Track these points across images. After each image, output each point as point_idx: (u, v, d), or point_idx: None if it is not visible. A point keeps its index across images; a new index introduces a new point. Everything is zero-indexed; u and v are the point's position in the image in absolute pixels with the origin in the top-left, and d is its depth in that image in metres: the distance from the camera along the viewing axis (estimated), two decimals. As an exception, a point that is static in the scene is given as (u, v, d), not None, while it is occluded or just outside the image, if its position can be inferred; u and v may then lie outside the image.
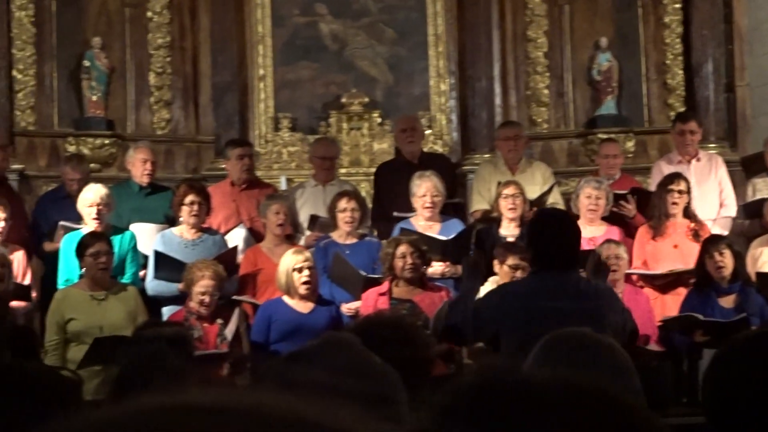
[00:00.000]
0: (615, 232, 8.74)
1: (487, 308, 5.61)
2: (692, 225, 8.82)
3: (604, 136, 11.26)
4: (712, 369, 2.28)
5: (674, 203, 8.77)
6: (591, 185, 8.93)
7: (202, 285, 7.61)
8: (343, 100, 12.06)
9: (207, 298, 7.62)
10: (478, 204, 9.37)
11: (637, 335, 6.02)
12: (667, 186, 8.85)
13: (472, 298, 5.83)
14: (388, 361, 2.38)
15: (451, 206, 9.17)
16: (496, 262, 7.63)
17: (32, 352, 5.79)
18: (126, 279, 8.26)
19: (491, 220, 8.68)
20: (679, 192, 8.80)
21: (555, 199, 9.38)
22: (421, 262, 7.69)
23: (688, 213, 8.88)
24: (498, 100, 12.23)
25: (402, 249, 7.66)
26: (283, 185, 10.82)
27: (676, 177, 8.95)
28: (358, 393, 2.12)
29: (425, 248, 7.74)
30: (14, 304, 7.84)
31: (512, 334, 5.30)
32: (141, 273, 8.45)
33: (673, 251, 8.66)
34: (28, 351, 5.62)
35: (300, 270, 7.71)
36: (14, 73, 11.64)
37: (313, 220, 8.92)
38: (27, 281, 8.36)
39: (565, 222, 5.75)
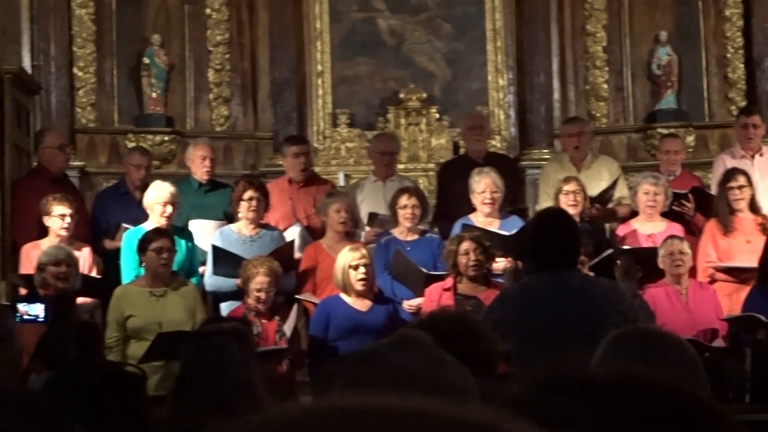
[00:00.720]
0: (676, 229, 8.66)
1: (491, 308, 5.64)
2: (759, 219, 8.72)
3: (664, 131, 11.17)
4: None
5: (737, 199, 8.67)
6: (649, 181, 8.85)
7: (258, 282, 7.62)
8: (401, 95, 12.04)
9: (263, 295, 7.62)
10: (545, 202, 9.28)
11: None
12: (726, 183, 8.75)
13: None
14: (455, 357, 2.36)
15: (516, 212, 9.12)
16: None
17: (96, 348, 5.82)
18: (195, 279, 8.30)
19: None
20: (740, 187, 8.70)
21: (621, 193, 9.30)
22: (484, 258, 7.64)
23: (754, 207, 8.78)
24: (556, 95, 12.17)
25: (465, 246, 7.61)
26: (341, 181, 10.82)
27: (734, 173, 8.85)
28: (434, 390, 2.10)
29: (488, 244, 7.69)
30: (80, 300, 7.87)
31: (510, 333, 5.31)
32: (200, 269, 8.48)
33: (747, 246, 8.54)
34: (92, 347, 5.65)
35: (356, 267, 7.70)
36: (75, 70, 11.73)
37: (372, 217, 8.90)
38: (95, 275, 8.39)
39: (564, 221, 5.70)
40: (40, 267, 7.30)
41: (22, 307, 5.66)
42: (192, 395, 3.80)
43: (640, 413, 1.15)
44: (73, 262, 7.57)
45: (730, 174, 8.86)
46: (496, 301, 5.80)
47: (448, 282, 7.67)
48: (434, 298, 7.65)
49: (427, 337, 2.27)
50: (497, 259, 8.10)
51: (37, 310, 5.63)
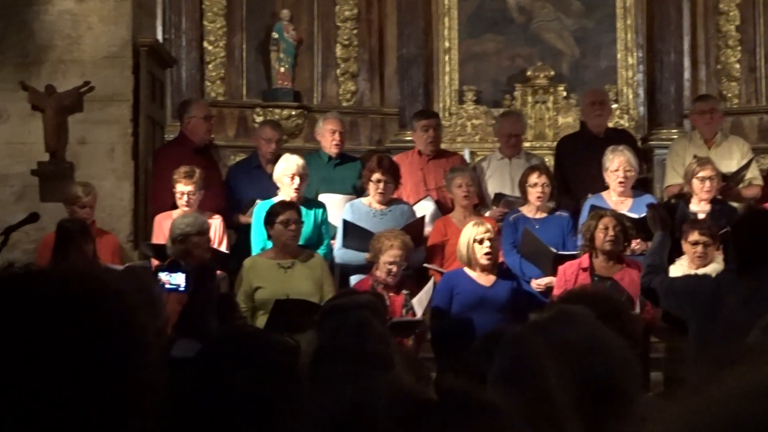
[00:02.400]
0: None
1: (679, 294, 5.57)
2: None
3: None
4: None
5: None
6: None
7: (390, 255, 7.62)
8: (529, 73, 11.97)
9: (394, 268, 7.62)
10: (672, 179, 9.17)
11: None
12: None
13: (664, 259, 5.82)
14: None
15: (638, 182, 9.01)
16: (682, 240, 7.49)
17: (232, 320, 5.89)
18: (321, 250, 8.34)
19: (682, 195, 8.50)
20: None
21: (753, 174, 9.13)
22: (623, 236, 7.56)
23: None
24: (687, 75, 12.00)
25: (605, 221, 7.53)
26: (466, 158, 10.79)
27: None
28: (598, 363, 2.10)
29: (629, 224, 7.60)
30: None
31: (699, 325, 5.25)
32: (330, 242, 8.52)
33: None
34: (228, 319, 5.72)
35: (481, 241, 7.67)
36: (205, 44, 11.89)
37: (498, 197, 8.86)
38: (224, 249, 8.48)
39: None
40: (181, 237, 7.38)
41: (164, 276, 5.75)
42: (331, 370, 3.83)
43: None
44: (208, 233, 7.65)
45: None
46: (690, 283, 5.72)
47: (585, 261, 7.59)
48: (570, 277, 7.58)
49: (588, 312, 2.26)
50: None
51: (179, 279, 5.72)
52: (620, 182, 8.43)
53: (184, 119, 9.29)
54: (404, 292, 7.68)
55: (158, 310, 4.24)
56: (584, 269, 7.55)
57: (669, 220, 6.24)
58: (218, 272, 8.09)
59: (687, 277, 6.07)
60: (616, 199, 8.44)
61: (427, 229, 8.56)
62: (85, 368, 1.53)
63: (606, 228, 7.50)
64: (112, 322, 1.58)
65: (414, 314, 7.58)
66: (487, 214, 8.84)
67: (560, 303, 3.70)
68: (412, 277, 7.98)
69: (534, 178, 8.41)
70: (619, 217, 7.59)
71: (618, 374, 2.10)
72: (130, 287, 1.66)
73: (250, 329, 3.19)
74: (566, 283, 7.46)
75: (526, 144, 10.78)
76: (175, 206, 8.44)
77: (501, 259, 8.00)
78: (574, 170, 9.16)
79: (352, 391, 3.76)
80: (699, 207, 8.31)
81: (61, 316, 1.54)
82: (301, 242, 8.10)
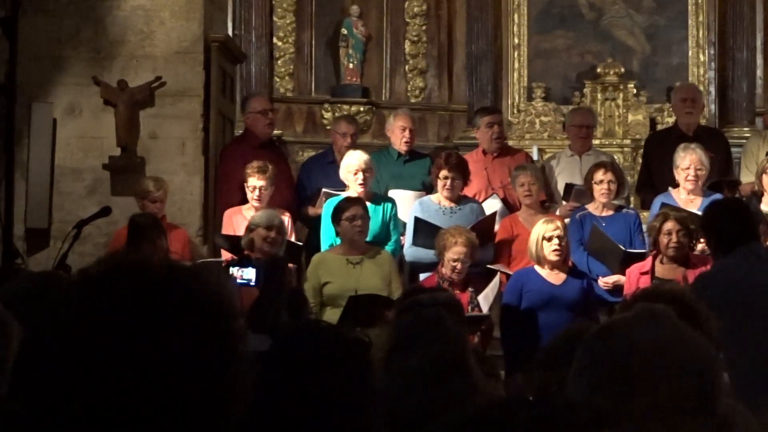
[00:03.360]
0: None
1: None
2: None
3: None
4: None
5: None
6: None
7: (455, 252, 7.61)
8: (599, 69, 11.91)
9: (459, 265, 7.61)
10: (746, 177, 9.06)
11: None
12: None
13: None
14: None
15: (728, 183, 8.91)
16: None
17: (302, 314, 5.92)
18: (389, 247, 8.35)
19: (755, 194, 8.41)
20: None
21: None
22: (687, 240, 7.46)
23: None
24: (759, 72, 11.87)
25: (669, 225, 7.44)
26: (534, 155, 10.75)
27: None
28: (681, 365, 2.08)
29: (693, 227, 7.50)
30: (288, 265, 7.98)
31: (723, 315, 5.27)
32: (400, 239, 8.53)
33: None
34: (299, 313, 5.75)
35: (550, 239, 7.63)
36: (275, 40, 11.95)
37: (568, 188, 8.81)
38: (294, 240, 8.50)
39: (735, 204, 6.08)
40: (251, 228, 7.46)
41: (235, 271, 5.79)
42: (405, 366, 3.83)
43: None
44: (283, 230, 7.68)
45: None
46: (700, 284, 5.74)
47: (646, 265, 7.53)
48: (632, 281, 7.53)
49: (670, 311, 2.24)
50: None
51: (250, 274, 5.76)
52: (690, 180, 8.35)
53: (245, 115, 9.36)
54: (470, 289, 7.67)
55: (236, 304, 4.27)
56: (644, 273, 7.47)
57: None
58: (291, 265, 8.15)
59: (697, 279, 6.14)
60: (686, 197, 8.35)
61: (497, 226, 8.54)
62: (193, 358, 1.57)
63: (669, 233, 7.40)
64: (215, 312, 1.62)
65: (480, 310, 7.57)
66: (557, 212, 8.80)
67: (638, 301, 3.66)
68: (479, 275, 7.96)
69: (600, 174, 8.35)
70: (683, 220, 7.46)
71: (703, 374, 2.08)
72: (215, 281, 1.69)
73: (321, 324, 3.19)
74: (630, 286, 7.41)
75: (596, 141, 10.72)
76: (243, 201, 8.48)
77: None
78: (660, 167, 9.06)
79: (425, 388, 3.76)
80: (770, 206, 8.23)
81: (169, 306, 1.58)
82: (369, 238, 8.11)
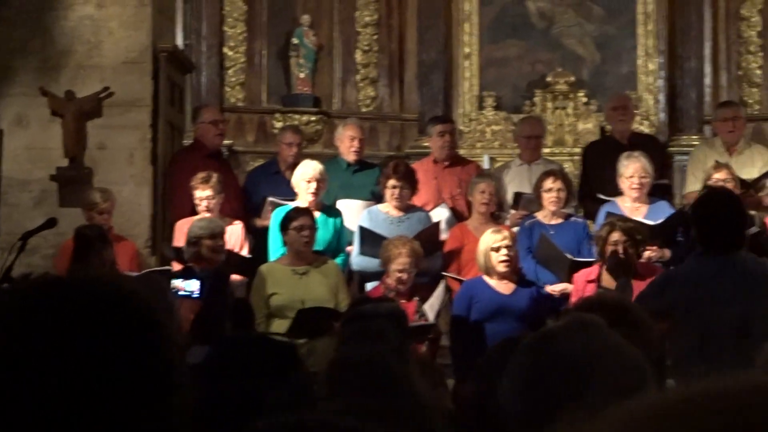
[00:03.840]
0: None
1: (653, 297, 5.55)
2: None
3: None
4: None
5: None
6: None
7: (399, 263, 7.62)
8: (549, 78, 11.95)
9: (404, 276, 7.62)
10: (692, 186, 9.13)
11: None
12: None
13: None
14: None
15: (659, 188, 8.98)
16: None
17: (249, 325, 5.90)
18: (339, 258, 8.35)
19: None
20: None
21: (775, 183, 9.08)
22: (634, 251, 7.47)
23: None
24: (708, 81, 11.95)
25: (615, 236, 7.44)
26: (486, 164, 10.78)
27: None
28: (612, 374, 2.08)
29: (640, 237, 7.51)
30: (234, 277, 7.95)
31: (685, 317, 5.24)
32: (348, 249, 8.53)
33: None
34: (245, 324, 5.73)
35: (498, 249, 7.64)
36: (225, 50, 11.91)
37: (517, 197, 8.86)
38: (245, 254, 8.48)
39: (732, 202, 5.61)
40: (194, 240, 7.42)
41: (178, 283, 5.76)
42: (347, 377, 3.83)
43: None
44: (224, 235, 7.67)
45: None
46: (660, 284, 5.72)
47: (593, 273, 7.55)
48: (579, 288, 7.55)
49: (601, 320, 2.25)
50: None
51: (193, 286, 5.73)
52: (635, 188, 8.39)
53: (195, 125, 9.34)
54: (416, 299, 7.67)
55: (173, 316, 4.25)
56: (590, 281, 7.49)
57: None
58: (239, 277, 8.12)
59: (664, 271, 6.07)
60: (631, 205, 8.40)
61: (443, 237, 8.55)
62: (117, 370, 1.54)
63: (616, 244, 7.41)
64: (141, 324, 1.61)
65: (426, 320, 7.57)
66: (507, 222, 8.82)
67: (574, 311, 3.68)
68: (426, 285, 7.96)
69: (549, 183, 8.38)
70: (629, 231, 7.47)
71: (631, 384, 2.08)
72: (146, 292, 1.69)
73: (251, 334, 3.22)
74: (577, 293, 7.43)
75: (546, 150, 10.76)
76: (195, 212, 8.46)
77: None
78: (599, 176, 9.12)
79: (365, 399, 3.75)
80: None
81: (90, 321, 1.57)
82: (320, 248, 8.10)
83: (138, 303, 1.63)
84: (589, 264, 7.78)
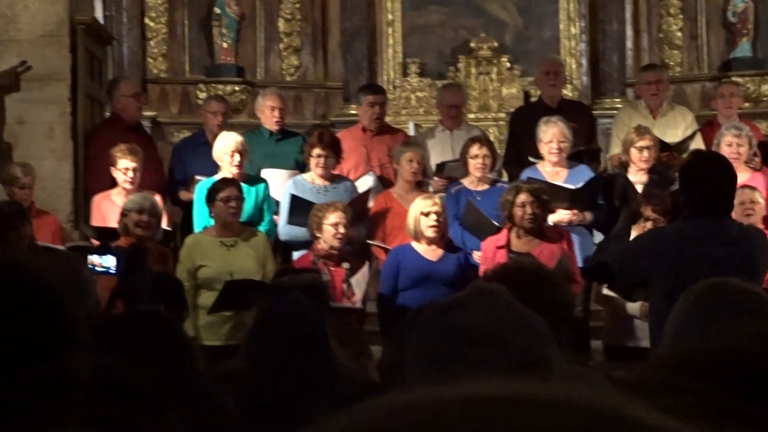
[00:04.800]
0: (759, 179, 8.51)
1: (638, 252, 5.49)
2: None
3: (739, 80, 10.99)
4: None
5: None
6: (732, 132, 8.67)
7: (335, 216, 7.58)
8: (472, 44, 11.97)
9: (341, 229, 7.57)
10: (617, 148, 9.18)
11: None
12: None
13: (626, 235, 5.76)
14: (531, 307, 2.35)
15: (589, 152, 9.03)
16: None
17: (174, 298, 5.86)
18: (263, 227, 8.31)
19: (624, 164, 8.53)
20: None
21: (698, 145, 9.16)
22: (541, 212, 7.49)
23: None
24: (629, 44, 12.04)
25: (522, 198, 7.43)
26: (411, 131, 10.79)
27: None
28: (512, 342, 2.10)
29: (546, 198, 7.53)
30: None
31: (663, 279, 5.20)
32: (274, 218, 8.50)
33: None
34: (170, 297, 5.69)
35: (427, 214, 7.66)
36: (146, 20, 11.80)
37: (440, 167, 8.86)
38: (165, 226, 8.42)
39: (721, 165, 5.55)
40: (125, 213, 7.41)
41: (94, 258, 5.71)
42: (264, 349, 3.83)
43: None
44: (156, 213, 7.62)
45: None
46: (648, 237, 5.71)
47: (502, 239, 7.55)
48: (489, 255, 7.56)
49: (503, 289, 2.26)
50: (559, 211, 7.98)
51: (109, 262, 5.67)
52: (553, 153, 8.43)
53: (113, 98, 9.24)
54: (345, 265, 7.66)
55: (87, 293, 4.22)
56: (500, 247, 7.49)
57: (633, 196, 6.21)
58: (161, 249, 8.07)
59: (646, 233, 6.04)
60: (551, 170, 8.44)
61: (370, 204, 8.55)
62: (10, 356, 1.58)
63: (523, 205, 7.41)
64: (38, 311, 1.64)
65: (353, 292, 7.56)
66: (430, 188, 8.83)
67: (498, 277, 3.69)
68: (353, 253, 7.96)
69: (475, 149, 8.39)
70: (536, 191, 7.48)
71: (531, 351, 2.10)
72: (58, 271, 1.71)
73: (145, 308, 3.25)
74: (487, 261, 7.44)
75: (471, 115, 10.79)
76: (113, 185, 8.39)
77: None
78: (527, 141, 9.15)
79: (283, 372, 3.76)
80: (636, 177, 8.31)
81: None
82: (243, 219, 8.06)
83: (30, 274, 1.70)
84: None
